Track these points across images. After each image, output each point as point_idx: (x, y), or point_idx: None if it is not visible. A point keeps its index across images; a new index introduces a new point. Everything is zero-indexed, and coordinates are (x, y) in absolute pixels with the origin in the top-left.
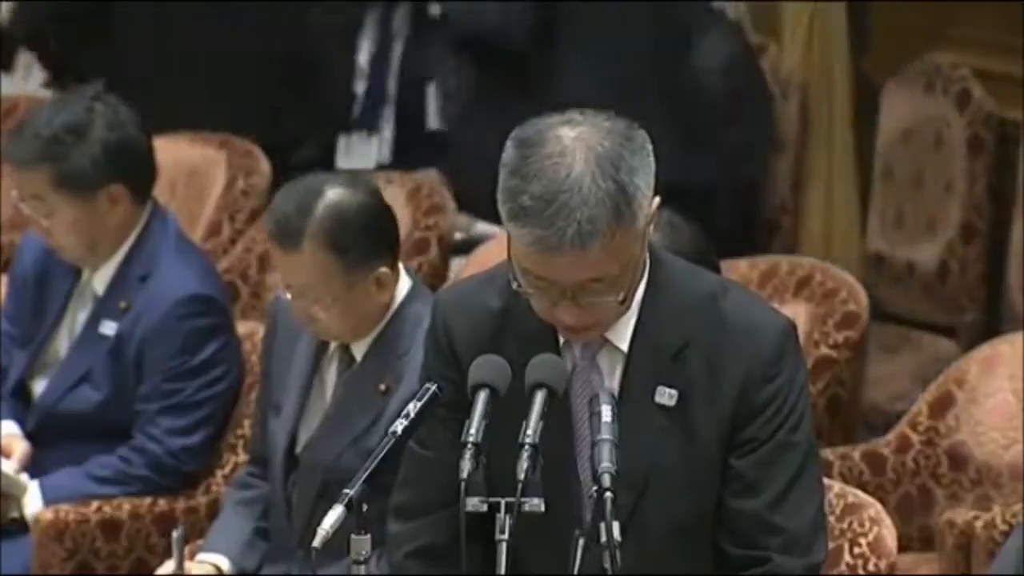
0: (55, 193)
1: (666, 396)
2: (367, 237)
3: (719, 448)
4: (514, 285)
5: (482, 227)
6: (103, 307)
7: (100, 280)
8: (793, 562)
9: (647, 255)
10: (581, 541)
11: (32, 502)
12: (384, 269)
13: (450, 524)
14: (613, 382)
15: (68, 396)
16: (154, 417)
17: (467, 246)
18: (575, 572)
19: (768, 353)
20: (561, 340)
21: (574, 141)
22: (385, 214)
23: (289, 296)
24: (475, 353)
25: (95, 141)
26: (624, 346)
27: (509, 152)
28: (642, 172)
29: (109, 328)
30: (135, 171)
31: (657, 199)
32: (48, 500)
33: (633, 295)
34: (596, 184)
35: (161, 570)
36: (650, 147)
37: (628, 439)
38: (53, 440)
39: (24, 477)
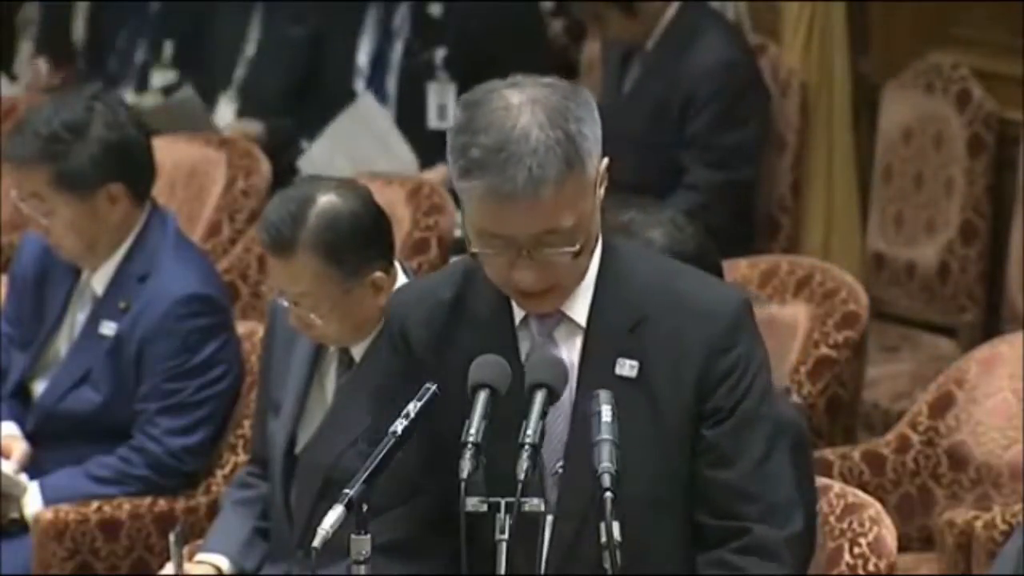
0: (54, 192)
1: (627, 367)
2: (360, 242)
3: (684, 418)
4: (471, 250)
5: None
6: (102, 307)
7: (99, 280)
8: (773, 532)
9: (598, 221)
10: (549, 518)
11: (32, 502)
12: (379, 273)
13: (409, 520)
14: (572, 356)
15: (68, 396)
16: (154, 417)
17: (463, 245)
18: (545, 551)
19: (727, 323)
20: (517, 319)
21: (519, 97)
22: (378, 217)
23: (285, 303)
24: (429, 343)
25: (94, 140)
26: (581, 320)
27: (456, 115)
28: (588, 123)
29: (109, 328)
30: (134, 171)
31: (606, 159)
32: (48, 500)
33: (589, 256)
34: (544, 132)
35: (162, 572)
36: (594, 104)
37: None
38: (53, 440)
39: (24, 477)
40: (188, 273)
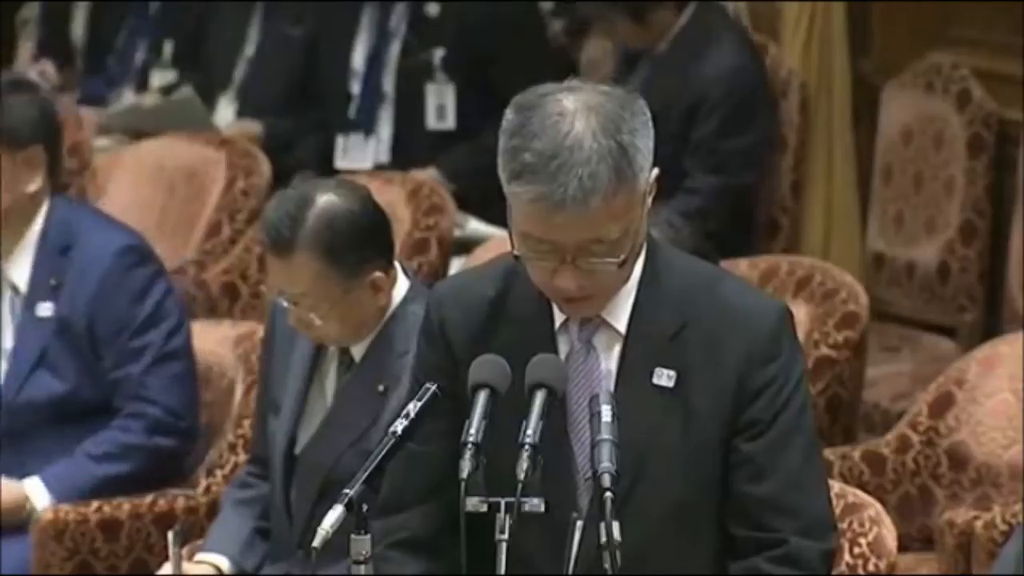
0: None
1: (664, 377)
2: (359, 242)
3: (719, 428)
4: (514, 253)
5: (475, 225)
6: (32, 294)
7: (16, 268)
8: (810, 545)
9: (645, 232)
10: (579, 523)
11: (39, 498)
12: (379, 273)
13: (432, 518)
14: (610, 363)
15: (27, 384)
16: (142, 379)
17: (462, 245)
18: (574, 557)
19: (768, 333)
20: (557, 323)
21: (575, 103)
22: (377, 217)
23: (285, 303)
24: (468, 339)
25: (33, 102)
26: (621, 327)
27: (509, 118)
28: (642, 135)
29: (46, 310)
30: (56, 141)
31: (656, 169)
32: (54, 491)
33: (632, 264)
34: (597, 142)
35: (160, 571)
36: (649, 115)
37: (626, 420)
38: (26, 435)
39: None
40: (113, 230)
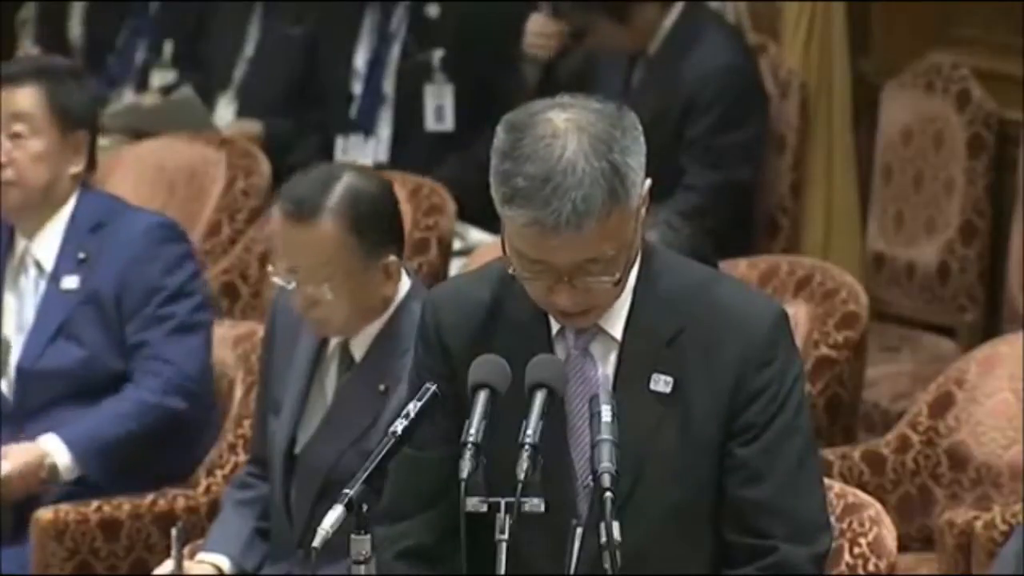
0: (46, 113)
1: (661, 383)
2: (382, 222)
3: (716, 432)
4: (509, 270)
5: (477, 235)
6: (58, 268)
7: (42, 247)
8: (798, 551)
9: (639, 243)
10: (579, 531)
11: (58, 455)
12: (393, 258)
13: (436, 524)
14: (607, 370)
15: (47, 353)
16: (160, 344)
17: (464, 254)
18: (574, 563)
19: (764, 336)
20: (554, 329)
21: (565, 123)
22: (396, 205)
23: (293, 284)
24: (465, 344)
25: (87, 88)
26: (618, 334)
27: (500, 137)
28: (634, 152)
29: (71, 282)
30: (97, 129)
31: (649, 181)
32: (71, 444)
33: (627, 278)
34: (590, 164)
35: (160, 569)
36: (640, 129)
37: (624, 426)
38: (43, 406)
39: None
40: (146, 211)
